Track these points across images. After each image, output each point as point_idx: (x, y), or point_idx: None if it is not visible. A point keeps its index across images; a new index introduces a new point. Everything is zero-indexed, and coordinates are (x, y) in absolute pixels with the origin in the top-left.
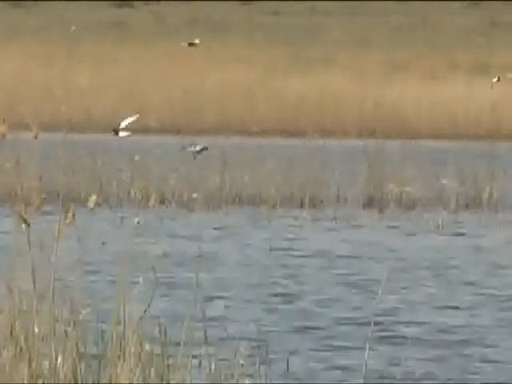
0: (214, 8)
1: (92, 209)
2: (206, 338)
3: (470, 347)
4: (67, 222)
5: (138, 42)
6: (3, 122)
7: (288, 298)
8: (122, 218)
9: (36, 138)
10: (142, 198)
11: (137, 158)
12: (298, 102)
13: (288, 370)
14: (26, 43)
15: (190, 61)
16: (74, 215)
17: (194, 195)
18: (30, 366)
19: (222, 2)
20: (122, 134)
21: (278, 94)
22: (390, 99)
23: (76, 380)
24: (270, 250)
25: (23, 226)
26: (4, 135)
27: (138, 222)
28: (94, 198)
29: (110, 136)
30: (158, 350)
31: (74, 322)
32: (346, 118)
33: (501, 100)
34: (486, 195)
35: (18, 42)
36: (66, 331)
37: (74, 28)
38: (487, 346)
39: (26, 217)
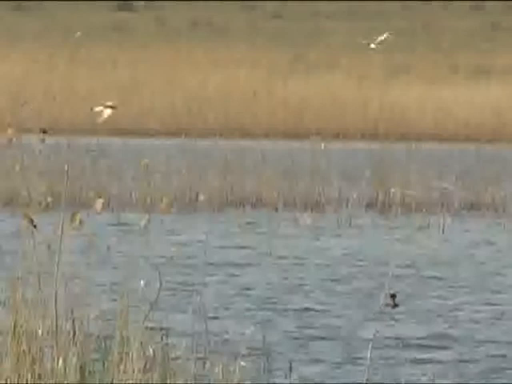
0: (216, 11)
1: (99, 212)
2: (207, 339)
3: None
4: (73, 226)
5: (139, 45)
6: (9, 126)
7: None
8: (126, 221)
9: (43, 141)
10: (147, 201)
11: (146, 161)
12: (301, 105)
13: (291, 371)
14: (27, 47)
15: (192, 64)
16: (81, 221)
17: (201, 198)
18: (32, 367)
19: (223, 5)
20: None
21: (280, 97)
22: (392, 102)
23: (79, 382)
24: (271, 253)
25: (30, 228)
26: (11, 140)
27: (143, 225)
28: (100, 200)
29: (113, 139)
30: (160, 352)
31: (78, 323)
32: (348, 121)
33: (503, 103)
34: (488, 198)
35: (19, 45)
36: (69, 333)
37: (79, 33)
38: None
39: (33, 219)
